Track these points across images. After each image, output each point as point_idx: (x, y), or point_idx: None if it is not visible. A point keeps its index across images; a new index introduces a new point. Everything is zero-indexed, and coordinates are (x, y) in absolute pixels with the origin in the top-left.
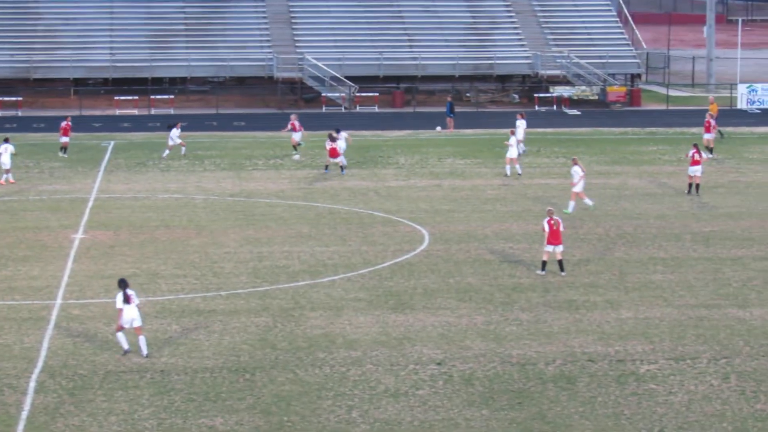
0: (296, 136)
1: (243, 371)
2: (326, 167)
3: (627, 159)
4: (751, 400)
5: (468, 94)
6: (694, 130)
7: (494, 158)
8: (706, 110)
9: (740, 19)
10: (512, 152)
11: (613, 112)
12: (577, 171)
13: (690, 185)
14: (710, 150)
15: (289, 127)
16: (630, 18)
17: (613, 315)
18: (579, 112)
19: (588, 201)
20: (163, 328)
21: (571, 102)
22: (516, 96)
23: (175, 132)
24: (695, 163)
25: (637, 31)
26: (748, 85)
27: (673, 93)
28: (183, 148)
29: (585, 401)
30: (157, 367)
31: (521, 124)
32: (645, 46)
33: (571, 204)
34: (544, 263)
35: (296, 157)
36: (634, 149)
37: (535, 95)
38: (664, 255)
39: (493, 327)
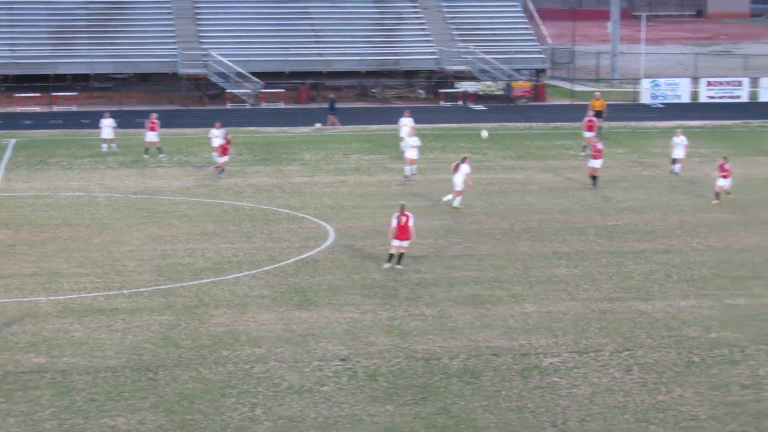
0: (151, 136)
1: (146, 370)
2: (217, 168)
3: (532, 154)
4: (652, 392)
5: (374, 90)
6: (600, 124)
7: (400, 154)
8: (596, 105)
9: (644, 15)
10: (411, 153)
11: (518, 107)
12: (464, 169)
13: (592, 177)
14: (584, 148)
15: (149, 126)
16: (535, 13)
17: (517, 309)
18: (484, 108)
19: (448, 197)
20: (65, 327)
21: (477, 97)
22: (422, 92)
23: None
24: (596, 156)
25: (542, 27)
26: (651, 80)
27: (577, 88)
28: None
29: (489, 395)
30: (57, 368)
31: (407, 122)
32: (550, 42)
33: (455, 199)
34: (390, 256)
35: (162, 156)
36: (539, 144)
37: (441, 91)
38: (568, 249)
39: (398, 322)
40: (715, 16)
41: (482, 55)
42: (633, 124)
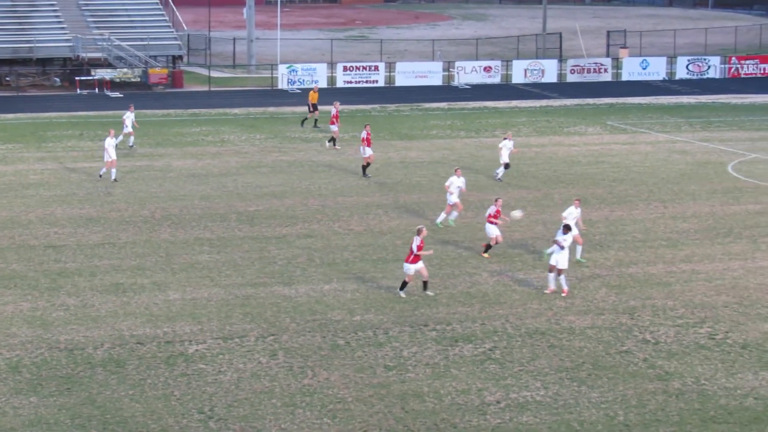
0: None
1: None
2: None
3: (170, 141)
4: (298, 376)
5: (8, 78)
6: (237, 110)
7: (36, 142)
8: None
9: (279, 1)
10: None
11: (155, 94)
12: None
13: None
14: (331, 140)
15: None
16: (170, 0)
17: (160, 297)
18: (121, 95)
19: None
20: None
21: (113, 84)
22: (57, 80)
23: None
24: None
25: (177, 13)
26: (288, 65)
27: (215, 74)
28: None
29: (135, 384)
30: None
31: (129, 115)
32: (186, 28)
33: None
34: None
35: None
36: (177, 131)
37: (77, 78)
38: (210, 235)
39: (40, 313)
40: (350, 2)
41: (118, 42)
42: (271, 109)
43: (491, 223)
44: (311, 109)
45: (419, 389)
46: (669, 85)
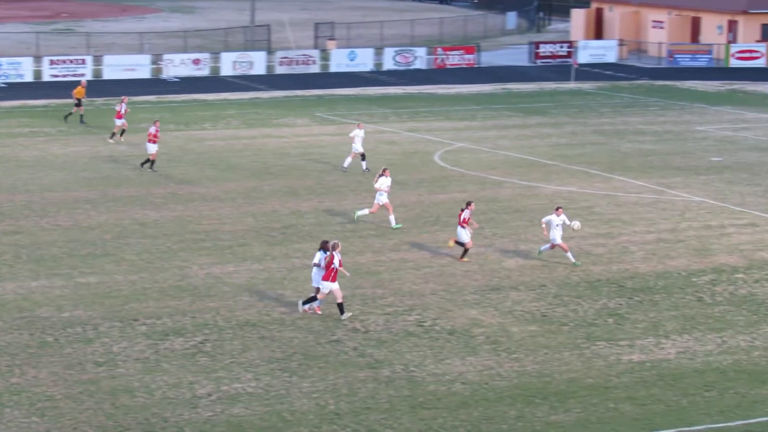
0: None
1: None
2: None
3: None
4: (6, 375)
5: None
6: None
7: None
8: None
9: None
10: None
11: None
12: None
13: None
14: (119, 134)
15: None
16: None
17: None
18: None
19: None
20: None
21: None
22: None
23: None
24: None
25: None
26: None
27: None
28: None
29: None
30: None
31: None
32: None
33: None
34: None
35: None
36: None
37: None
38: None
39: None
40: None
41: None
42: None
43: (462, 226)
44: (77, 103)
45: (130, 384)
46: (377, 76)
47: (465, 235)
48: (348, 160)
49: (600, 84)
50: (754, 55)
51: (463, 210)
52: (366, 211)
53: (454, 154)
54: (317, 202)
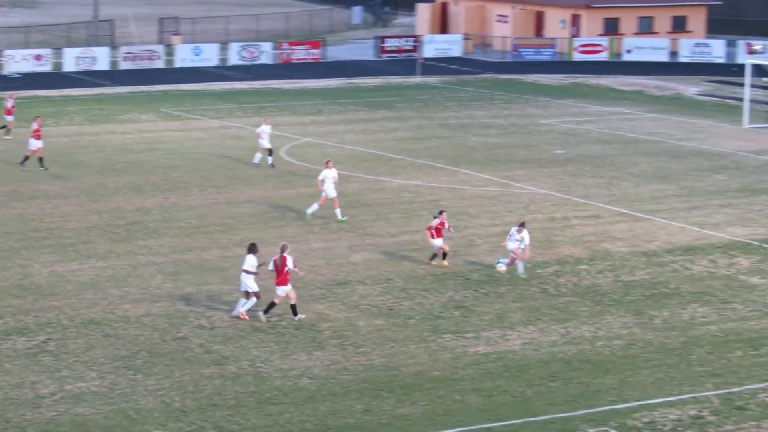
0: None
1: None
2: None
3: None
4: None
5: None
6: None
7: None
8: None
9: None
10: None
11: None
12: None
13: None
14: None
15: None
16: None
17: None
18: None
19: None
20: None
21: None
22: None
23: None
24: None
25: None
26: None
27: None
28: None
29: None
30: None
31: None
32: None
33: None
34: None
35: None
36: None
37: None
38: None
39: None
40: None
41: None
42: None
43: (435, 237)
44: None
45: None
46: (222, 71)
47: (439, 241)
48: (258, 156)
49: (445, 78)
50: (597, 48)
51: (435, 218)
52: (316, 206)
53: (301, 149)
54: (162, 198)
